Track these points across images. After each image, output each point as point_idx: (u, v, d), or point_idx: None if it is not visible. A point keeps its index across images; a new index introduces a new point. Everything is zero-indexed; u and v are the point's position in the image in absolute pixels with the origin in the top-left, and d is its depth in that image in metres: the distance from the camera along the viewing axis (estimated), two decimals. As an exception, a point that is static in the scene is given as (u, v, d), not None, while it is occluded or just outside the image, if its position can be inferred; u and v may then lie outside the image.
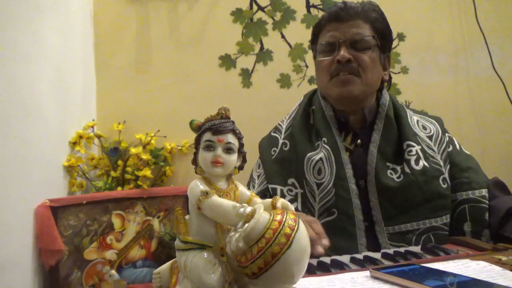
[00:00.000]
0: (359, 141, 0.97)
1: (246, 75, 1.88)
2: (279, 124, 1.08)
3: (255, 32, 1.88)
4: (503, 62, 1.90)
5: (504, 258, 0.63)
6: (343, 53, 0.92)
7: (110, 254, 1.45)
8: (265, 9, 1.89)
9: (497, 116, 1.90)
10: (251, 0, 1.89)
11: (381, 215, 0.90)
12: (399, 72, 1.91)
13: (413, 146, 0.93)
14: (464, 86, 1.92)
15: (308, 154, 0.96)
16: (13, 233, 1.17)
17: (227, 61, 1.87)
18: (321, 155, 0.94)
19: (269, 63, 1.88)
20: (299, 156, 0.97)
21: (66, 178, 1.54)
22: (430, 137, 0.97)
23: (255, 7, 1.89)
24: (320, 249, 0.71)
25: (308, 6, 1.90)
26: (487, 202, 0.89)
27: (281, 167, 0.99)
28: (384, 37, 0.99)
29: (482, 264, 0.60)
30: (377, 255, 0.74)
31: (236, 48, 1.88)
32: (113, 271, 1.43)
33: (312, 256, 0.70)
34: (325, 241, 0.73)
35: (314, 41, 1.04)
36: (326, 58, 0.97)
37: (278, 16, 1.89)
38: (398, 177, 0.91)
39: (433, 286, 0.50)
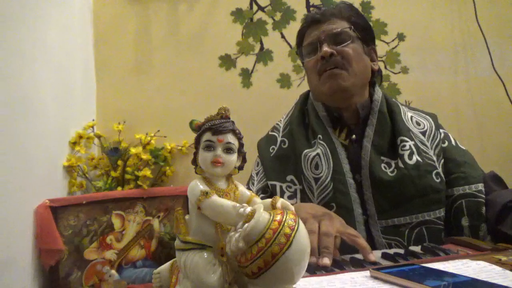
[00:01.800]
0: (353, 136, 0.98)
1: (246, 75, 1.88)
2: (277, 124, 1.10)
3: (255, 32, 1.89)
4: (503, 62, 1.90)
5: (504, 258, 0.63)
6: (325, 48, 0.96)
7: (110, 254, 1.45)
8: (265, 9, 1.89)
9: (497, 116, 1.90)
10: (251, 0, 1.89)
11: (375, 209, 0.90)
12: (399, 72, 1.91)
13: (407, 141, 0.94)
14: (464, 86, 1.92)
15: (305, 151, 0.97)
16: (13, 233, 1.17)
17: (227, 61, 1.88)
18: (317, 151, 0.96)
19: (269, 63, 1.88)
20: (297, 153, 0.98)
21: (66, 178, 1.54)
22: (423, 133, 0.98)
23: (255, 7, 1.89)
24: (372, 257, 0.69)
25: (308, 6, 1.90)
26: (483, 196, 0.90)
27: (280, 164, 1.00)
28: (363, 29, 1.02)
29: (482, 264, 0.60)
30: (377, 255, 0.74)
31: (236, 48, 1.88)
32: (113, 271, 1.43)
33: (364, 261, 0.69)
34: (371, 256, 0.71)
35: (299, 48, 1.09)
36: (312, 58, 1.01)
37: (278, 16, 1.89)
38: (392, 171, 0.92)
39: (433, 286, 0.50)
